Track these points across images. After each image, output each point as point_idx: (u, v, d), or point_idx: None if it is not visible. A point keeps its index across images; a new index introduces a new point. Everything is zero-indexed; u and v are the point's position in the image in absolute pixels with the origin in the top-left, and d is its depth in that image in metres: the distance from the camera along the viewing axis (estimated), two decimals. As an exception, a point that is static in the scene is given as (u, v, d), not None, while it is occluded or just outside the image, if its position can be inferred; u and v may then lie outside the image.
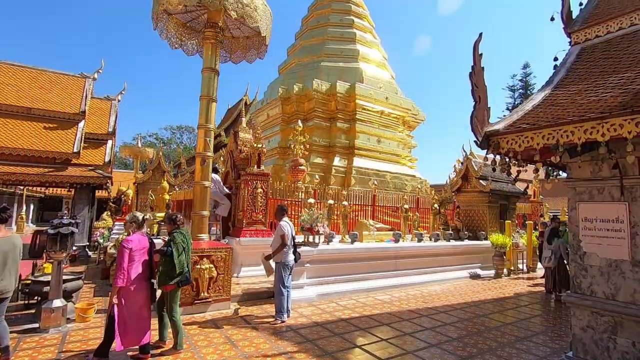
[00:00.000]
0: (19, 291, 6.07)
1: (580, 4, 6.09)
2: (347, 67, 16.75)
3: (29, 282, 5.74)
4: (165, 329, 4.34)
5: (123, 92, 16.73)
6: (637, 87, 3.48)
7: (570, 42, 5.71)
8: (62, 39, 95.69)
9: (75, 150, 12.16)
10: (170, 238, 4.31)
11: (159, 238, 7.92)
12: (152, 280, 4.15)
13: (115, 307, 3.76)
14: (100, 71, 15.28)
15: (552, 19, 5.79)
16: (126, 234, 4.34)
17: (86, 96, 13.77)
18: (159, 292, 4.33)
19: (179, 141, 54.93)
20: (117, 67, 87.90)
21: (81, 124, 13.12)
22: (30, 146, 11.73)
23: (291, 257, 5.63)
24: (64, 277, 5.25)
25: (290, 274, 5.68)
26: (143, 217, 4.33)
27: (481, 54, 4.23)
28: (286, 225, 5.61)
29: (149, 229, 9.05)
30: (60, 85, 14.13)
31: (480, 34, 4.26)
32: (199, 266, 5.66)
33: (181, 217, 4.65)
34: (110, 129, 14.62)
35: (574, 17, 5.87)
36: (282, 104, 16.27)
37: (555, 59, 5.61)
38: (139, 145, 20.12)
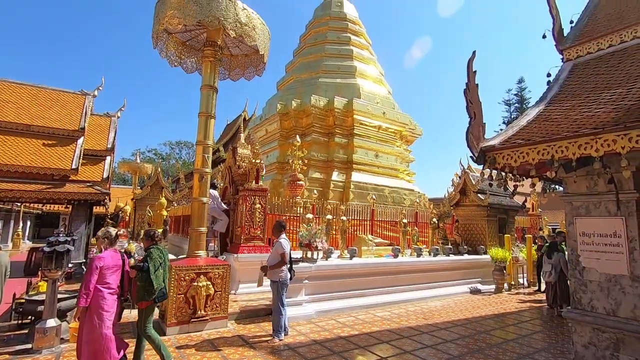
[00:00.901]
0: (13, 310, 5.97)
1: (571, 22, 6.24)
2: (345, 83, 16.98)
3: (23, 301, 5.65)
4: (143, 352, 4.23)
5: (123, 108, 16.87)
6: (629, 103, 3.54)
7: (562, 59, 5.84)
8: (63, 57, 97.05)
9: (73, 166, 12.16)
10: (147, 254, 4.27)
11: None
12: (121, 298, 4.07)
13: (82, 327, 3.65)
14: (100, 88, 15.44)
15: (544, 36, 5.93)
16: (98, 250, 4.27)
17: (86, 113, 13.87)
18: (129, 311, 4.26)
19: (178, 156, 55.14)
20: (117, 84, 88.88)
21: (80, 141, 13.17)
22: (29, 163, 11.73)
23: (288, 275, 5.59)
24: (59, 296, 5.17)
25: (285, 292, 5.62)
26: (116, 232, 4.25)
27: (475, 71, 4.31)
28: (286, 243, 5.58)
29: (141, 245, 8.97)
30: (60, 102, 14.25)
31: (474, 52, 4.35)
32: (196, 283, 5.60)
33: (159, 234, 4.64)
34: (109, 145, 14.66)
35: (565, 34, 6.02)
36: (281, 119, 16.42)
37: (549, 75, 5.72)
38: (138, 160, 20.22)
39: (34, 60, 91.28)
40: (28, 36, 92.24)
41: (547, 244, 9.48)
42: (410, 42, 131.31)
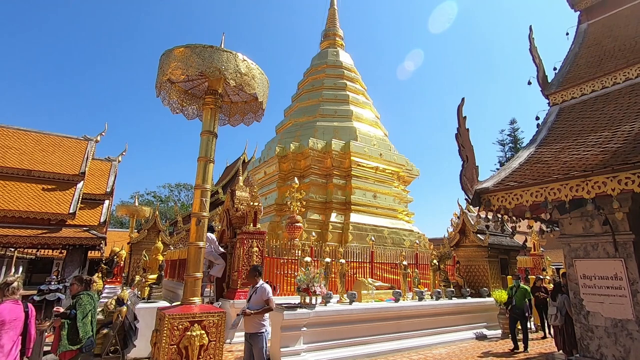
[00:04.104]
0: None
1: (554, 69, 6.59)
2: (342, 126, 17.47)
3: (7, 354, 5.39)
4: None
5: (124, 153, 17.20)
6: (615, 146, 3.65)
7: (548, 103, 6.10)
8: (71, 104, 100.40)
9: (71, 211, 12.16)
10: (76, 300, 4.04)
11: (155, 302, 7.63)
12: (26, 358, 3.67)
13: None
14: (103, 134, 15.83)
15: (529, 82, 6.23)
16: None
17: (87, 158, 14.12)
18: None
19: (177, 199, 55.11)
20: (120, 129, 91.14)
21: (80, 185, 13.28)
22: (27, 208, 11.73)
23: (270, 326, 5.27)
24: (45, 349, 4.95)
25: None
26: (5, 282, 3.71)
27: (465, 117, 4.48)
28: (270, 288, 5.30)
29: (139, 292, 8.71)
30: (63, 147, 14.55)
31: (463, 99, 4.55)
32: (189, 333, 5.36)
33: (94, 280, 4.47)
34: (109, 189, 14.76)
35: (549, 80, 6.33)
36: (279, 161, 16.68)
37: (537, 118, 5.94)
38: (137, 203, 20.18)
39: (43, 107, 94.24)
40: (37, 83, 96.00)
41: (514, 286, 8.91)
42: (406, 83, 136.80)
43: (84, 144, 15.02)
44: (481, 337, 9.40)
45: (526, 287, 9.03)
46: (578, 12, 7.21)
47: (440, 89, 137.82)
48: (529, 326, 11.12)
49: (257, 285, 5.30)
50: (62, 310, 3.98)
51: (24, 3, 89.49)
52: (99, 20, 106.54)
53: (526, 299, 8.66)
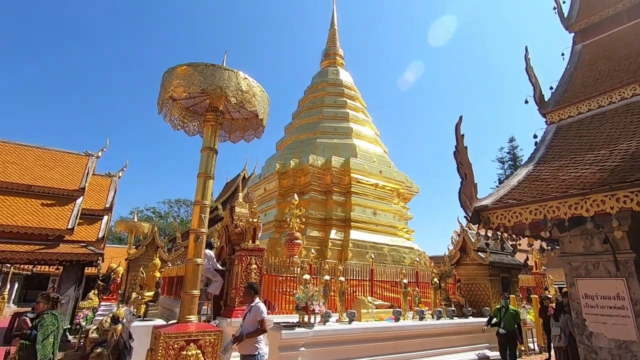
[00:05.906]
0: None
1: (551, 88, 6.69)
2: (342, 143, 17.58)
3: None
4: None
5: (124, 168, 17.26)
6: (613, 164, 3.67)
7: (546, 122, 6.17)
8: (73, 120, 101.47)
9: (69, 226, 12.10)
10: (39, 320, 3.85)
11: (151, 320, 7.51)
12: None
13: None
14: (104, 149, 15.92)
15: (526, 101, 6.32)
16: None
17: (87, 173, 14.16)
18: None
19: (176, 214, 54.92)
20: (121, 144, 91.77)
21: (79, 200, 13.26)
22: (25, 223, 11.68)
23: (266, 347, 5.12)
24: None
25: None
26: None
27: (463, 135, 4.52)
28: (264, 307, 5.16)
29: (135, 309, 8.57)
30: (64, 163, 14.61)
31: (461, 117, 4.60)
32: (185, 352, 5.25)
33: (61, 298, 4.29)
34: (108, 205, 14.74)
35: (546, 99, 6.42)
36: (279, 178, 16.71)
37: (535, 136, 5.99)
38: (136, 219, 20.09)
39: (45, 123, 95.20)
40: (39, 98, 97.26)
41: (502, 307, 8.28)
42: (405, 100, 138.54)
43: (84, 160, 15.09)
44: (483, 359, 9.19)
45: (516, 308, 8.51)
46: (573, 34, 7.39)
47: (440, 107, 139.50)
48: (532, 347, 10.92)
49: (252, 305, 5.20)
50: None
51: (30, 20, 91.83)
52: (101, 37, 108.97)
53: (516, 323, 8.08)
